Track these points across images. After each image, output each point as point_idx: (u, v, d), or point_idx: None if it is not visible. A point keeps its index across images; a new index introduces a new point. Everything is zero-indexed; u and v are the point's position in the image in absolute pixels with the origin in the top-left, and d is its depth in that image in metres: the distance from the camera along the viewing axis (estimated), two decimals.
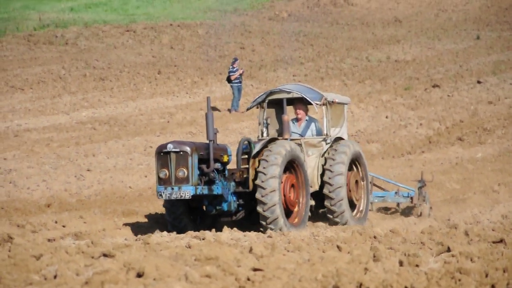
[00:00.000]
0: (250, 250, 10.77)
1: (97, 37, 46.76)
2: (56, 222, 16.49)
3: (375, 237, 13.44)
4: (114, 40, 46.31)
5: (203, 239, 13.05)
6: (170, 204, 15.65)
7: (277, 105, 17.60)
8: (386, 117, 32.80)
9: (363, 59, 43.32)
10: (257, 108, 17.76)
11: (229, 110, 34.89)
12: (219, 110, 34.94)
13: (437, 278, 8.41)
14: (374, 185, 19.95)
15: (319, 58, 43.27)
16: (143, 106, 34.97)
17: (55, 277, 8.33)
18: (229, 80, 35.26)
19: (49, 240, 13.08)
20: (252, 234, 15.44)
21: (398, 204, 20.22)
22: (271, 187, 15.22)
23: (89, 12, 54.86)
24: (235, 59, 35.92)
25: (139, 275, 8.45)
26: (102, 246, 11.36)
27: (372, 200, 19.22)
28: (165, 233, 14.23)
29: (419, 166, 25.27)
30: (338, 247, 11.47)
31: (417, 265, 9.54)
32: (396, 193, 19.96)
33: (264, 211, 15.24)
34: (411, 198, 19.79)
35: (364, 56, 43.79)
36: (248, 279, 8.32)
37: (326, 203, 16.68)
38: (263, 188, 15.25)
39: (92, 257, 10.05)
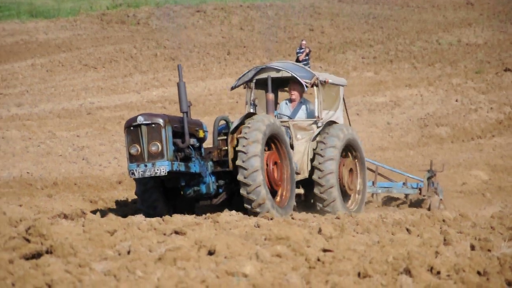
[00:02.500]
0: (319, 231, 10.75)
1: (168, 17, 47.02)
2: (127, 199, 16.70)
3: (444, 220, 13.31)
4: (184, 20, 46.53)
5: (271, 219, 13.07)
6: (142, 190, 14.15)
7: (266, 85, 15.73)
8: (456, 100, 32.38)
9: (433, 42, 42.80)
10: (244, 88, 16.29)
11: None
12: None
13: (510, 263, 8.29)
14: (379, 174, 18.56)
15: (389, 41, 42.88)
16: (212, 86, 35.11)
17: (128, 252, 8.42)
18: (297, 61, 35.20)
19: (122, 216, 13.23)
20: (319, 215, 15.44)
21: (406, 196, 18.93)
22: (254, 166, 13.66)
23: None
24: (302, 40, 35.87)
25: (210, 253, 8.49)
26: (173, 224, 11.46)
27: (375, 191, 18.08)
28: (233, 212, 14.28)
29: (489, 151, 24.92)
30: (407, 229, 11.39)
31: (489, 250, 9.42)
32: (404, 184, 18.62)
33: (248, 193, 13.69)
34: (420, 189, 18.53)
35: (435, 39, 43.27)
36: (318, 260, 8.30)
37: (315, 190, 15.18)
38: (245, 169, 13.68)
39: (164, 234, 10.15)
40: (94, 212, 14.09)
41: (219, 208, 14.18)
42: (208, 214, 13.46)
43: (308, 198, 15.52)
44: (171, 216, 12.77)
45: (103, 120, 27.97)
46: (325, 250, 8.83)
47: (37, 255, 7.90)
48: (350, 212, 15.16)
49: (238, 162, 13.71)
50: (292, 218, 13.52)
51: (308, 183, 15.32)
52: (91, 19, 46.06)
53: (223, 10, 48.30)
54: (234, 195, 14.37)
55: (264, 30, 44.69)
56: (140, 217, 12.61)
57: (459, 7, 51.36)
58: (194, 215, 13.26)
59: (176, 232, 10.21)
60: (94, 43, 41.60)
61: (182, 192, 14.28)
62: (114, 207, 15.84)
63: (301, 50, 35.05)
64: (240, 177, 13.69)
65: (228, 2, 50.29)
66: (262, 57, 39.74)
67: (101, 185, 19.17)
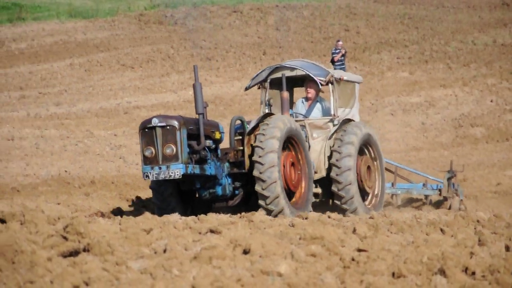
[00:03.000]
0: (354, 231, 10.71)
1: (205, 17, 47.11)
2: None
3: (478, 221, 13.20)
4: (221, 20, 46.59)
5: (306, 218, 13.04)
6: (157, 184, 13.93)
7: (281, 85, 15.39)
8: (491, 101, 32.12)
9: (469, 42, 42.47)
10: (258, 88, 16.03)
11: None
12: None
13: None
14: (398, 175, 18.35)
15: (424, 41, 42.61)
16: None
17: (164, 251, 8.44)
18: (332, 61, 35.09)
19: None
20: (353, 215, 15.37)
21: (426, 197, 18.63)
22: (270, 162, 13.49)
23: None
24: (338, 41, 35.73)
25: (246, 252, 8.49)
26: (209, 222, 11.47)
27: (395, 192, 17.83)
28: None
29: None
30: (441, 230, 11.31)
31: None
32: (424, 185, 18.39)
33: (263, 189, 13.51)
34: (440, 190, 18.31)
35: (470, 39, 42.93)
36: (353, 259, 8.27)
37: (333, 188, 14.99)
38: (261, 164, 13.50)
39: (199, 233, 10.17)
40: (130, 210, 14.14)
41: (235, 210, 13.96)
42: (242, 214, 13.47)
43: (326, 196, 15.35)
44: (185, 215, 12.84)
45: (140, 119, 28.03)
46: (359, 250, 8.80)
47: (74, 253, 7.95)
48: (369, 210, 15.05)
49: (254, 158, 13.55)
50: (328, 217, 13.49)
51: (325, 182, 15.12)
52: (129, 19, 46.27)
53: (259, 11, 48.29)
54: (250, 196, 14.14)
55: (299, 30, 44.62)
56: (175, 216, 12.62)
57: (495, 7, 50.91)
58: (229, 214, 13.27)
59: (212, 231, 10.22)
60: (131, 43, 41.79)
61: (197, 195, 14.09)
62: (150, 205, 15.89)
63: (337, 51, 34.87)
64: (255, 172, 13.52)
65: (264, 2, 50.27)
66: (298, 57, 39.67)
67: (138, 183, 19.25)
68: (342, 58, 34.77)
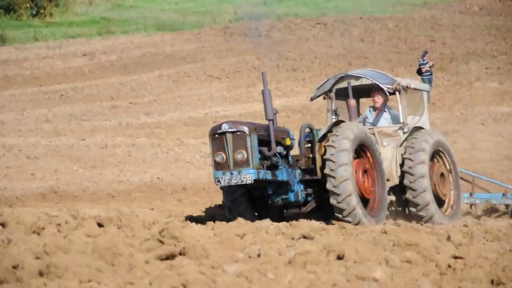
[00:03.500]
0: (448, 238, 10.55)
1: (289, 29, 47.13)
2: None
3: None
4: (305, 32, 46.53)
5: (398, 225, 12.91)
6: (230, 200, 13.81)
7: (346, 95, 15.06)
8: None
9: None
10: (324, 98, 15.67)
11: None
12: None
13: None
14: (476, 185, 17.76)
15: None
16: None
17: (259, 255, 8.42)
18: (419, 72, 34.76)
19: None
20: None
21: (507, 207, 17.93)
22: (343, 176, 13.19)
23: (281, 5, 55.35)
24: (426, 52, 35.36)
25: (339, 258, 8.42)
26: (301, 228, 11.46)
27: (473, 202, 17.38)
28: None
29: None
30: None
31: None
32: (503, 194, 17.74)
33: (338, 202, 13.21)
34: None
35: None
36: (449, 266, 8.12)
37: (408, 195, 14.61)
38: (334, 178, 13.22)
39: (292, 238, 10.14)
40: (222, 216, 14.15)
41: (308, 217, 13.67)
42: (333, 220, 13.36)
43: (400, 205, 14.99)
44: (256, 219, 12.81)
45: None
46: (455, 257, 8.64)
47: (171, 257, 7.99)
48: (445, 219, 14.73)
49: (326, 171, 13.29)
50: (421, 225, 13.30)
51: (398, 190, 14.81)
52: (215, 32, 46.57)
53: (343, 22, 48.08)
54: (323, 203, 13.83)
55: (384, 42, 44.25)
56: (267, 222, 12.62)
57: None
58: (319, 221, 13.18)
59: (304, 237, 10.19)
60: (217, 54, 42.04)
61: (269, 201, 13.80)
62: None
63: (424, 62, 34.56)
64: (329, 185, 13.28)
65: (348, 14, 50.05)
66: (384, 67, 39.33)
67: None
68: (430, 69, 34.41)
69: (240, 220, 11.89)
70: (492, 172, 19.92)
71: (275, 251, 8.71)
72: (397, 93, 15.02)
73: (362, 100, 16.38)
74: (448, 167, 15.52)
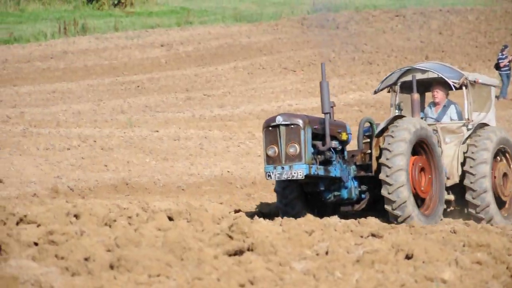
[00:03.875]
0: None
1: (367, 21, 46.91)
2: None
3: None
4: (383, 24, 46.26)
5: (468, 225, 12.79)
6: (281, 187, 13.45)
7: (412, 88, 14.51)
8: None
9: None
10: (388, 91, 15.31)
11: (497, 97, 33.88)
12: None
13: None
14: None
15: None
16: None
17: (326, 253, 8.45)
18: (497, 67, 34.25)
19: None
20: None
21: None
22: (398, 165, 12.76)
23: None
24: (505, 46, 34.83)
25: (408, 257, 8.40)
26: (369, 226, 11.44)
27: None
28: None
29: None
30: None
31: None
32: None
33: (389, 193, 12.79)
34: None
35: None
36: None
37: (467, 196, 14.06)
38: (388, 167, 12.80)
39: (360, 236, 10.14)
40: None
41: (361, 214, 13.41)
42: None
43: (459, 204, 14.49)
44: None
45: None
46: None
47: (239, 252, 8.07)
48: (506, 219, 14.27)
49: (381, 160, 12.92)
50: (491, 225, 13.15)
51: (458, 189, 14.31)
52: (292, 23, 46.59)
53: (422, 15, 47.63)
54: (378, 201, 13.31)
55: (463, 35, 43.71)
56: (335, 219, 12.62)
57: None
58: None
59: (373, 235, 10.18)
60: (294, 46, 42.06)
61: (321, 198, 13.47)
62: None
63: (503, 56, 34.05)
64: (382, 175, 12.90)
65: (427, 6, 49.55)
66: (461, 62, 38.90)
67: None
68: (508, 64, 33.88)
69: (309, 216, 11.89)
70: None
71: (343, 249, 8.72)
72: (463, 87, 14.62)
73: (428, 94, 15.87)
74: (511, 166, 14.98)
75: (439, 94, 14.91)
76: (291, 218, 12.12)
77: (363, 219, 12.55)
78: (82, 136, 23.82)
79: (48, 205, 11.50)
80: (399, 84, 15.09)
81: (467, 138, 14.50)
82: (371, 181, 13.40)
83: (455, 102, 15.24)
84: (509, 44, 37.67)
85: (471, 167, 14.12)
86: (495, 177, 14.44)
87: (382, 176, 12.87)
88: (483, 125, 14.81)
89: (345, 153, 13.49)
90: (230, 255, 7.97)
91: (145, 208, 12.14)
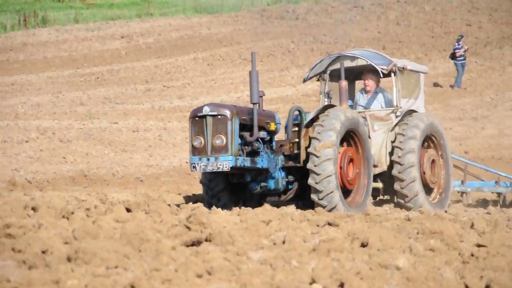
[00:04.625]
0: (472, 226, 10.57)
1: (326, 12, 46.98)
2: None
3: None
4: (341, 15, 46.36)
5: (422, 212, 12.92)
6: (207, 179, 13.19)
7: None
8: None
9: None
10: (318, 80, 15.07)
11: (452, 87, 34.21)
12: (441, 86, 34.40)
13: None
14: (469, 173, 17.25)
15: None
16: None
17: (283, 242, 8.49)
18: (453, 56, 34.56)
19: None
20: (471, 210, 15.08)
21: (499, 195, 17.26)
22: (326, 155, 12.51)
23: None
24: (461, 36, 35.15)
25: (363, 245, 8.47)
26: (326, 215, 11.50)
27: (465, 190, 16.87)
28: (385, 206, 14.13)
29: None
30: None
31: None
32: (496, 182, 17.16)
33: (316, 183, 12.55)
34: None
35: None
36: (472, 255, 8.15)
37: (396, 186, 14.04)
38: (316, 156, 12.54)
39: (317, 225, 10.19)
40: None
41: (288, 204, 13.07)
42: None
43: (388, 193, 14.49)
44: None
45: None
46: (479, 245, 8.66)
47: (197, 243, 8.08)
48: (434, 206, 14.22)
49: (310, 149, 12.67)
50: (445, 212, 13.29)
51: (387, 177, 14.26)
52: (252, 14, 46.56)
53: (380, 6, 47.81)
54: (305, 191, 13.10)
55: (420, 25, 43.97)
56: (292, 208, 12.66)
57: None
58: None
59: (329, 224, 10.23)
60: (253, 38, 42.06)
61: (248, 188, 13.21)
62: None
63: (459, 46, 34.35)
64: (310, 165, 12.63)
65: None
66: (417, 52, 39.19)
67: None
68: (464, 53, 34.19)
69: (266, 206, 11.94)
70: None
71: (300, 238, 8.77)
72: (392, 74, 14.47)
73: (358, 82, 15.85)
74: (439, 153, 15.01)
75: (370, 82, 14.80)
76: (248, 208, 12.10)
77: (319, 208, 12.58)
78: (41, 128, 23.67)
79: (5, 198, 11.41)
80: (328, 72, 14.89)
81: (395, 125, 14.40)
82: (299, 171, 13.19)
83: (385, 89, 15.17)
84: (464, 34, 38.01)
85: (399, 156, 14.03)
86: (423, 164, 14.38)
87: (310, 165, 12.63)
88: (411, 112, 14.71)
89: (274, 143, 13.24)
90: (188, 246, 7.98)
91: (103, 200, 12.11)
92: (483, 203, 17.64)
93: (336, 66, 14.66)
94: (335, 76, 14.80)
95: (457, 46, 34.47)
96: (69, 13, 45.44)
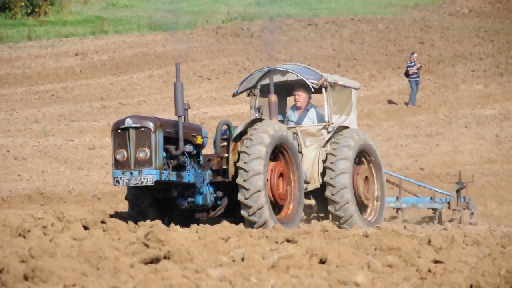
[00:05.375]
0: (429, 242, 10.64)
1: (281, 30, 47.18)
2: None
3: None
4: (296, 33, 46.59)
5: (379, 229, 12.98)
6: (133, 195, 12.65)
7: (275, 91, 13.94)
8: None
9: None
10: (248, 95, 14.77)
11: (406, 104, 34.51)
12: (396, 104, 34.68)
13: None
14: (404, 189, 17.26)
15: (499, 54, 41.98)
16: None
17: (242, 259, 8.47)
18: (407, 74, 34.88)
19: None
20: (427, 226, 15.20)
21: (434, 211, 17.33)
22: (255, 169, 12.16)
23: (274, 6, 55.41)
24: (413, 53, 35.53)
25: (322, 262, 8.48)
26: (284, 232, 11.49)
27: (399, 206, 16.84)
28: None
29: None
30: None
31: None
32: (431, 198, 17.22)
33: (246, 198, 12.19)
34: (449, 203, 17.09)
35: None
36: (429, 271, 8.19)
37: (327, 192, 13.71)
38: (246, 171, 12.18)
39: (276, 242, 10.19)
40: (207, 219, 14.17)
41: (218, 221, 12.66)
42: (315, 222, 13.40)
43: (321, 209, 14.16)
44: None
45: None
46: (436, 262, 8.72)
47: (155, 260, 8.03)
48: (369, 224, 13.94)
49: (239, 164, 12.34)
50: (404, 228, 13.36)
51: (320, 193, 13.90)
52: (207, 32, 46.58)
53: (334, 24, 48.16)
54: (235, 207, 12.71)
55: (374, 43, 44.36)
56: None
57: None
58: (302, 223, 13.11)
59: (288, 241, 10.24)
60: (209, 55, 42.07)
61: (175, 204, 12.76)
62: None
63: (412, 64, 34.69)
64: (239, 179, 12.30)
65: (339, 15, 50.13)
66: (372, 69, 39.49)
67: None
68: (417, 71, 34.53)
69: (225, 223, 11.90)
70: (473, 174, 19.86)
71: (259, 254, 8.75)
72: (323, 89, 14.11)
73: (290, 99, 15.45)
74: (372, 168, 14.68)
75: (301, 98, 14.48)
76: (207, 225, 12.01)
77: (278, 225, 12.58)
78: None
79: None
80: (259, 87, 14.59)
81: (327, 141, 14.09)
82: (228, 186, 12.81)
83: (317, 105, 14.86)
84: (417, 52, 38.41)
85: (331, 178, 13.69)
86: (356, 182, 14.07)
87: (239, 180, 12.28)
88: (343, 128, 14.43)
89: (201, 157, 12.86)
90: (146, 263, 7.92)
91: (60, 218, 11.98)
92: (420, 219, 17.57)
93: (267, 80, 14.25)
94: (265, 91, 14.33)
95: (409, 64, 34.82)
96: (22, 30, 45.05)
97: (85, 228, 10.21)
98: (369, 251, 9.35)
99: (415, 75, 34.55)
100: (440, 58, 41.28)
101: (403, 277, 7.90)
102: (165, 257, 8.12)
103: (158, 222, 11.31)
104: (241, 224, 12.40)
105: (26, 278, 6.79)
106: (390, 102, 34.91)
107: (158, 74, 38.68)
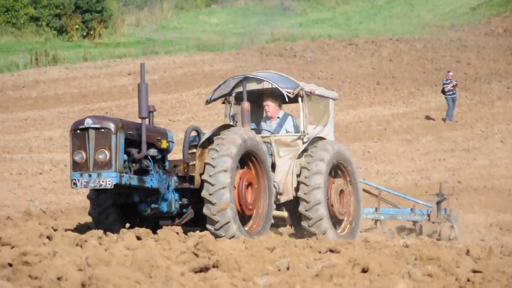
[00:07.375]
0: (467, 252, 10.53)
1: (322, 50, 47.16)
2: None
3: None
4: (337, 53, 46.54)
5: (420, 240, 12.89)
6: (95, 194, 11.71)
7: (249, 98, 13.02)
8: None
9: None
10: (223, 103, 13.82)
11: (444, 120, 34.27)
12: (433, 119, 34.45)
13: None
14: (383, 200, 16.49)
15: None
16: (362, 114, 34.98)
17: (287, 268, 8.45)
18: (443, 91, 34.69)
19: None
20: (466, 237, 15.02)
21: (414, 223, 16.45)
22: (221, 183, 11.25)
23: (316, 27, 55.45)
24: (449, 72, 35.33)
25: (364, 271, 8.43)
26: (327, 242, 11.45)
27: (378, 218, 16.08)
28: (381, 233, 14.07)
29: None
30: None
31: None
32: (411, 210, 16.36)
33: (213, 214, 11.33)
34: (429, 215, 16.10)
35: None
36: (468, 280, 8.11)
37: (301, 208, 12.74)
38: (211, 184, 11.26)
39: (319, 252, 10.15)
40: None
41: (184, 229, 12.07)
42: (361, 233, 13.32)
43: (294, 221, 13.26)
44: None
45: None
46: (474, 271, 8.62)
47: (204, 269, 8.04)
48: (341, 237, 12.82)
49: (204, 176, 11.38)
50: (438, 240, 13.23)
51: (293, 205, 12.96)
52: (252, 52, 46.74)
53: (374, 44, 48.03)
54: (202, 215, 11.67)
55: (412, 62, 44.13)
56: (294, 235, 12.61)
57: None
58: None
59: (331, 251, 10.19)
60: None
61: (138, 209, 11.84)
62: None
63: (448, 81, 34.46)
64: (204, 193, 11.40)
65: (378, 36, 49.99)
66: (410, 86, 39.27)
67: None
68: (453, 88, 34.28)
69: (270, 234, 11.86)
70: (509, 188, 19.59)
71: (303, 264, 8.74)
72: (299, 99, 13.11)
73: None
74: (348, 180, 13.66)
75: (270, 108, 13.53)
76: (254, 236, 11.79)
77: (322, 235, 12.53)
78: (54, 161, 23.64)
79: (21, 227, 11.38)
80: (233, 94, 13.65)
81: (302, 152, 13.09)
82: (194, 194, 11.83)
83: (292, 114, 13.91)
84: (454, 70, 38.14)
85: (305, 193, 12.73)
86: (331, 195, 13.15)
87: (204, 193, 11.38)
88: (319, 139, 13.41)
89: (167, 162, 11.90)
90: (196, 272, 7.94)
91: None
92: (399, 230, 16.86)
93: (241, 88, 13.23)
94: (240, 98, 13.20)
95: (445, 82, 34.61)
96: (78, 52, 45.58)
97: (138, 238, 10.26)
98: (409, 260, 9.28)
99: (451, 92, 34.30)
100: (476, 76, 40.92)
101: (443, 286, 7.84)
102: (214, 266, 8.13)
103: (206, 233, 11.26)
104: (286, 235, 12.39)
105: (83, 285, 6.84)
106: (428, 118, 34.70)
107: (205, 92, 38.81)
